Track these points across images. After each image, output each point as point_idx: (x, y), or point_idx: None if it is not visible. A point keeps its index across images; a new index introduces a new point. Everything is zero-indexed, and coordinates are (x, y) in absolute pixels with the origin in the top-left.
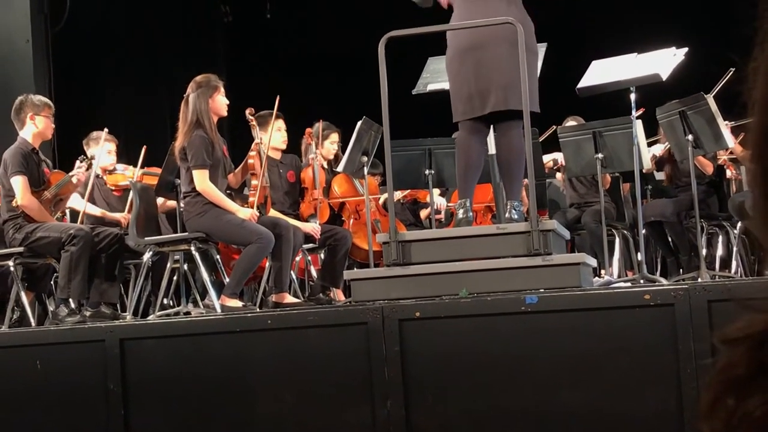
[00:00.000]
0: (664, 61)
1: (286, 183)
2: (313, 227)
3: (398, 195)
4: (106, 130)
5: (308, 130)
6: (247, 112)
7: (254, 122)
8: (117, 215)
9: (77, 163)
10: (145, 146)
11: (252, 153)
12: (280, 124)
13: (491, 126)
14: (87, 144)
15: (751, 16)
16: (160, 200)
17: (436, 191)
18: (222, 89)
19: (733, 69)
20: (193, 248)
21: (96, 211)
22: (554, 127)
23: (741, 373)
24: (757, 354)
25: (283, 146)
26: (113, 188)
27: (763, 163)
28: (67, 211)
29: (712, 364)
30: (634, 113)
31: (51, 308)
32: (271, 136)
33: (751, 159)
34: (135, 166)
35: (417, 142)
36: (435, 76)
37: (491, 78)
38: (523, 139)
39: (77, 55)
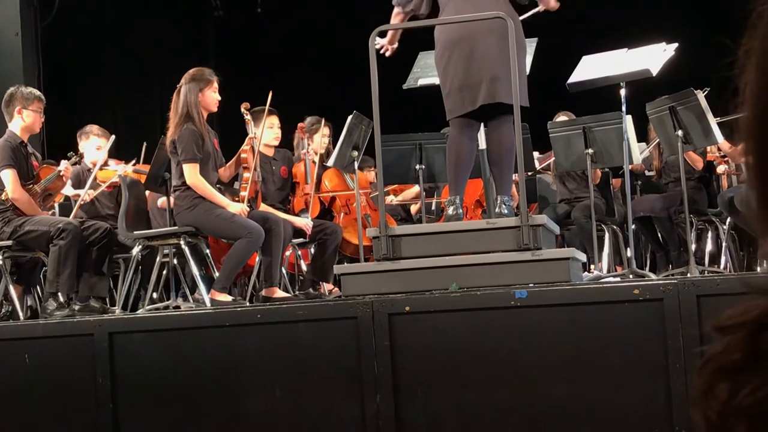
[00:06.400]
0: (654, 57)
1: (279, 179)
2: (305, 222)
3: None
4: (113, 137)
5: (300, 124)
6: (242, 107)
7: (249, 117)
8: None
9: (64, 161)
10: (144, 143)
11: (245, 147)
12: (274, 120)
13: (482, 122)
14: (80, 137)
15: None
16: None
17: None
18: (215, 85)
19: (708, 89)
20: (182, 242)
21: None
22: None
23: (737, 360)
24: (755, 341)
25: (276, 143)
26: (103, 184)
27: (761, 152)
28: (56, 205)
29: (704, 352)
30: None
31: (40, 302)
32: (263, 133)
33: (746, 150)
34: (126, 161)
35: (407, 136)
36: (426, 71)
37: (481, 70)
38: (513, 134)
39: (67, 49)
